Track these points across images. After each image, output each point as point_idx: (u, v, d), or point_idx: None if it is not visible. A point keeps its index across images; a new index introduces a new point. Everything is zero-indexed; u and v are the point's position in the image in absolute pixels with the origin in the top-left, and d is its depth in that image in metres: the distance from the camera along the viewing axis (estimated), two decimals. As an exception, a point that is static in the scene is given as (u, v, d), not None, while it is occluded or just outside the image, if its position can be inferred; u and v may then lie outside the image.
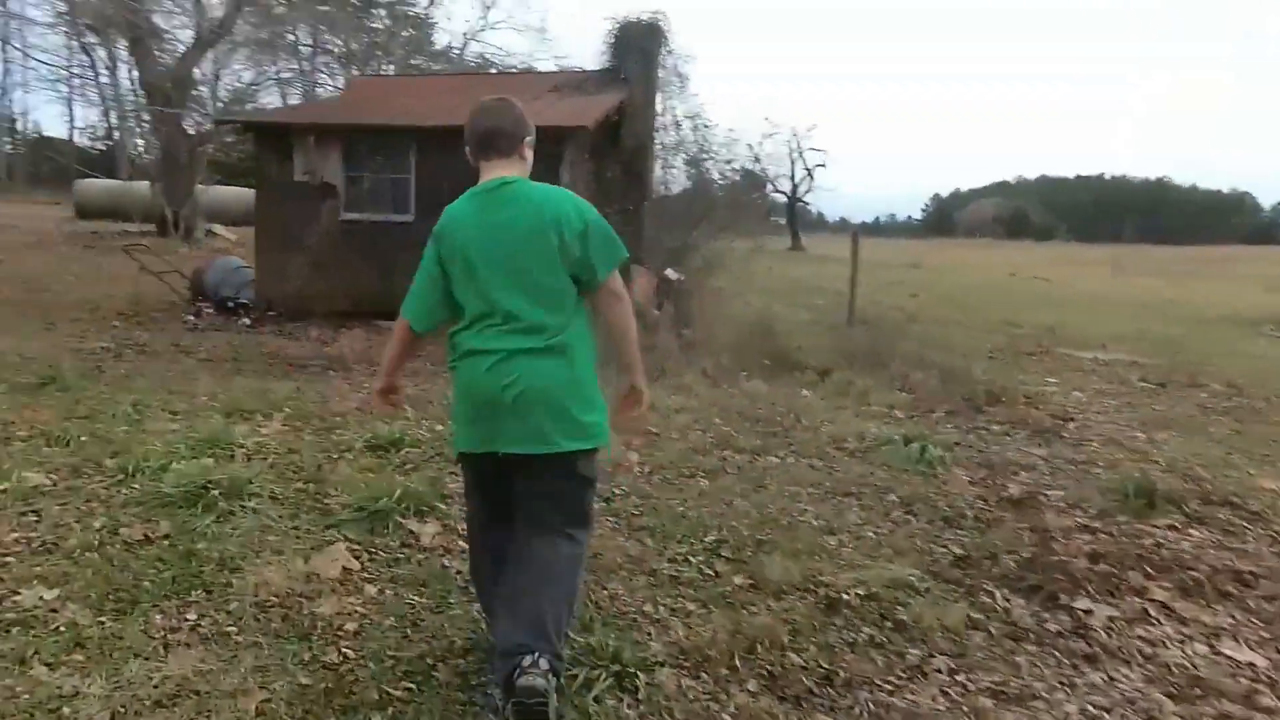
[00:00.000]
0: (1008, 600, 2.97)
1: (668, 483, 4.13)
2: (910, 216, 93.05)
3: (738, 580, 3.00)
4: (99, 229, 21.17)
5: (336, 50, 27.22)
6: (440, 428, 4.70)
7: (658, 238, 10.31)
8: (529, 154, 2.26)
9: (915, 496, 4.06)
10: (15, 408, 4.73)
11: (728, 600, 2.85)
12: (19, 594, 2.61)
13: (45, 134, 47.68)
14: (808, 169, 44.86)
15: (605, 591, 2.87)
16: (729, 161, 11.34)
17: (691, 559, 3.18)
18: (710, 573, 3.08)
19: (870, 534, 3.57)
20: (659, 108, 11.05)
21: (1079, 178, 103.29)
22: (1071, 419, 5.97)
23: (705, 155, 11.32)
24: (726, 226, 11.40)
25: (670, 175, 11.67)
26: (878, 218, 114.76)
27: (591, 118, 9.22)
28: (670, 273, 10.04)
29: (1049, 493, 4.19)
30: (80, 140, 43.17)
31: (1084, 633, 2.75)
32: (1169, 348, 10.72)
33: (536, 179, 2.25)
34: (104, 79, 25.53)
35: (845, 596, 2.87)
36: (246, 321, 9.56)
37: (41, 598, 2.59)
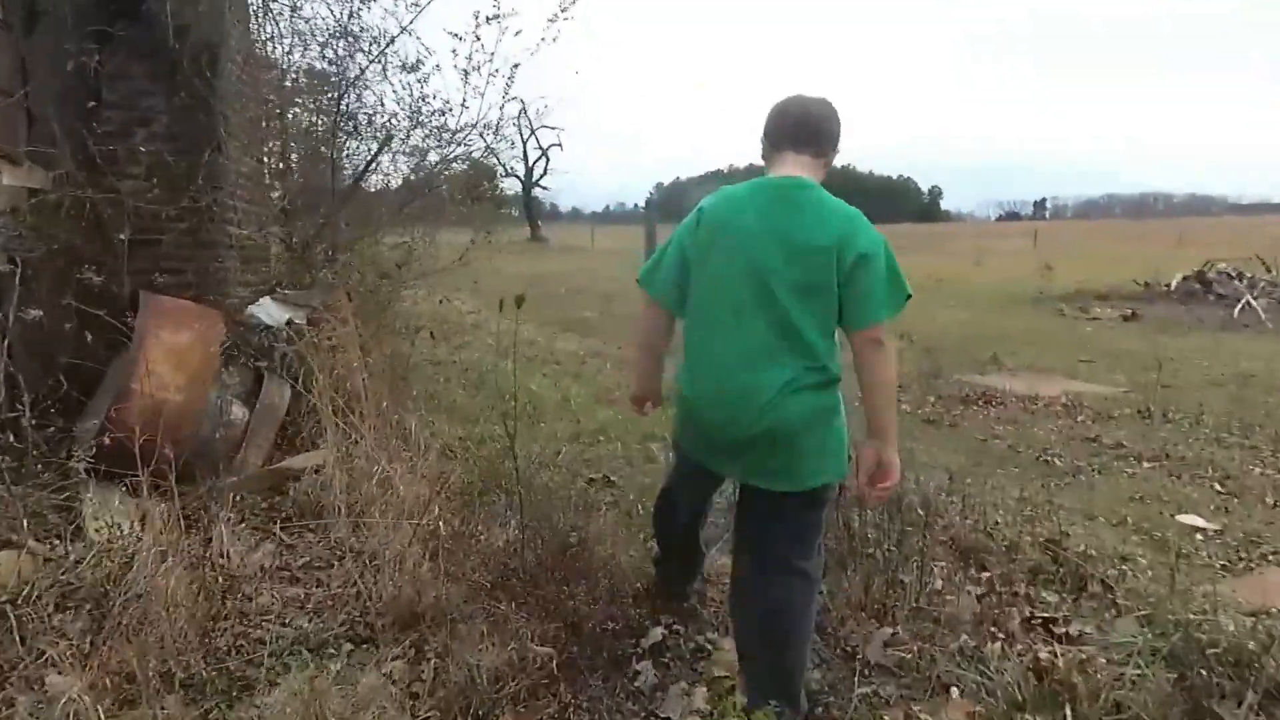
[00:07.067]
0: None
1: None
2: (637, 205, 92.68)
3: None
4: None
5: None
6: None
7: (242, 231, 4.57)
8: (829, 163, 2.05)
9: None
10: None
11: None
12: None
13: None
14: (542, 149, 39.15)
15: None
16: (413, 67, 4.93)
17: None
18: None
19: None
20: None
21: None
22: None
23: (357, 54, 5.36)
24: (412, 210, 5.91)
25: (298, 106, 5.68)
26: (608, 206, 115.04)
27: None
28: (265, 311, 4.35)
29: None
30: None
31: None
32: (1077, 356, 7.58)
33: None
34: None
35: None
36: None
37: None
